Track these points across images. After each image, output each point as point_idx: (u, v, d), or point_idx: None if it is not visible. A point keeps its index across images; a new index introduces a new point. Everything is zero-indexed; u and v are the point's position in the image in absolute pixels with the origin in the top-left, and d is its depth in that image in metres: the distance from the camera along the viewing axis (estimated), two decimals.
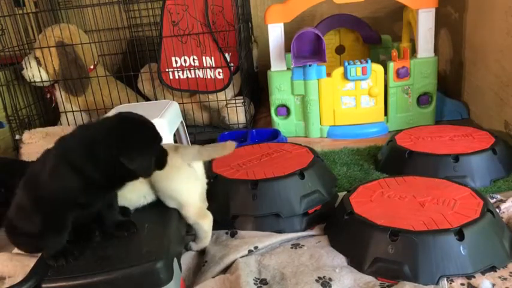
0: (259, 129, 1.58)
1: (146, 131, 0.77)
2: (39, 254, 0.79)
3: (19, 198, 0.78)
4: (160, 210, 0.88)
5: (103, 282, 0.70)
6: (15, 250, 1.00)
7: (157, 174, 0.83)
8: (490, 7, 1.39)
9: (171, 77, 1.64)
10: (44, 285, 0.71)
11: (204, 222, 0.91)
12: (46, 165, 0.74)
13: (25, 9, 1.88)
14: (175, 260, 0.77)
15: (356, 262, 0.83)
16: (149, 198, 0.89)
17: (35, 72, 1.68)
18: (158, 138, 0.78)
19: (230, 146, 0.94)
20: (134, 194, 0.87)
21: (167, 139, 1.25)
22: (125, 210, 0.86)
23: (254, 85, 1.95)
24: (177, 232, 0.85)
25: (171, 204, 0.89)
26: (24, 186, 0.78)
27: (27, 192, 0.76)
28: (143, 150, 0.74)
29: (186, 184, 0.88)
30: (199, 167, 0.94)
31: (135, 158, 0.73)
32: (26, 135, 1.56)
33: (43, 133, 1.57)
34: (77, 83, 1.67)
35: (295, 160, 1.11)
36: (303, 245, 0.91)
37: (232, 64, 1.62)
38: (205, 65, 1.62)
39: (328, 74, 1.52)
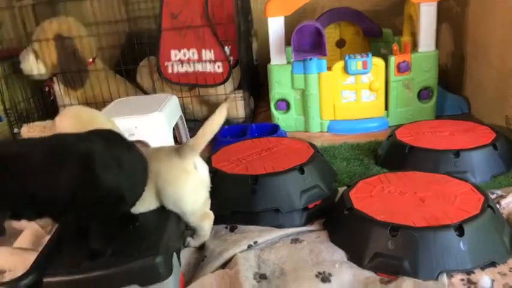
0: (259, 124, 1.58)
1: None
2: (40, 249, 0.79)
3: None
4: None
5: (102, 277, 0.70)
6: (15, 244, 1.00)
7: (164, 178, 0.83)
8: (492, 1, 1.38)
9: (170, 71, 1.63)
10: (44, 280, 0.71)
11: (206, 223, 0.91)
12: None
13: (23, 1, 1.86)
14: (174, 254, 0.77)
15: (356, 257, 0.83)
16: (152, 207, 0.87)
17: (33, 66, 1.66)
18: None
19: (222, 109, 0.86)
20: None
21: (166, 133, 1.24)
22: None
23: (254, 79, 1.94)
24: (176, 227, 0.85)
25: (174, 210, 0.86)
26: None
27: None
28: None
29: (192, 192, 0.86)
30: (202, 168, 0.90)
31: None
32: (25, 129, 1.55)
33: (41, 127, 1.56)
34: (76, 77, 1.66)
35: (295, 155, 1.10)
36: (303, 240, 0.90)
37: (231, 57, 1.61)
38: (204, 58, 1.60)
39: (329, 68, 1.51)
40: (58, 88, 1.70)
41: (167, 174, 0.84)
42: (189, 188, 0.86)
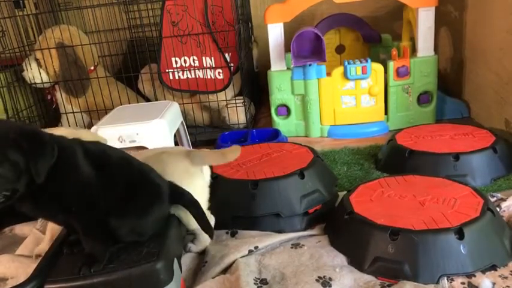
0: (260, 129, 1.59)
1: None
2: (41, 256, 0.79)
3: None
4: None
5: (103, 284, 0.71)
6: (18, 252, 1.01)
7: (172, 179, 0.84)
8: (490, 5, 1.39)
9: (171, 78, 1.65)
10: (45, 287, 0.72)
11: None
12: None
13: (25, 10, 1.88)
14: (175, 260, 0.78)
15: (356, 262, 0.83)
16: None
17: (35, 74, 1.68)
18: None
19: (236, 150, 0.94)
20: None
21: (168, 140, 1.25)
22: None
23: (254, 85, 1.95)
24: (177, 232, 0.85)
25: (176, 211, 0.86)
26: None
27: None
28: None
29: (196, 194, 0.87)
30: (207, 171, 0.93)
31: None
32: None
33: None
34: (77, 84, 1.67)
35: (295, 160, 1.11)
36: (303, 245, 0.91)
37: (232, 64, 1.62)
38: (205, 65, 1.62)
39: (328, 74, 1.52)
40: (60, 96, 1.71)
41: (174, 176, 0.85)
42: (194, 190, 0.87)
